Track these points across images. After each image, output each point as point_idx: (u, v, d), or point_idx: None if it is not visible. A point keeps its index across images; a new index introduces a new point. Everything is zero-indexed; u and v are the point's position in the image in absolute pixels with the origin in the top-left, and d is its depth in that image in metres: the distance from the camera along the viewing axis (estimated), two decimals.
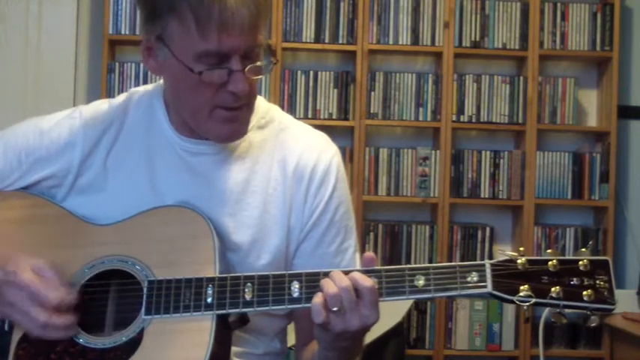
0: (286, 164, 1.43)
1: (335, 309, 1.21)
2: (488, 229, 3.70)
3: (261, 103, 1.48)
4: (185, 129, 1.41)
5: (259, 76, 1.33)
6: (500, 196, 3.71)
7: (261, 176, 1.42)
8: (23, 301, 1.29)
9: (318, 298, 1.22)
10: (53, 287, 1.30)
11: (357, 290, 1.22)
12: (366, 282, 1.22)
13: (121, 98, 1.49)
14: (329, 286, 1.23)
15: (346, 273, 1.25)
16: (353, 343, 1.30)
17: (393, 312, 2.92)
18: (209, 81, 1.28)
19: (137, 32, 3.60)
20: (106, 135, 1.44)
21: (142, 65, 3.60)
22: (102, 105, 1.49)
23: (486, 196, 3.70)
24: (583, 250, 1.26)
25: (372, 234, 3.66)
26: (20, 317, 1.30)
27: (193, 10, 1.24)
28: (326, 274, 1.26)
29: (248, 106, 1.36)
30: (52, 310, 1.29)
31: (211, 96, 1.31)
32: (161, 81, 1.47)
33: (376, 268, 1.27)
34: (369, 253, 1.29)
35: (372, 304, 1.23)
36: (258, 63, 1.31)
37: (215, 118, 1.33)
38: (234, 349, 1.37)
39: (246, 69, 1.29)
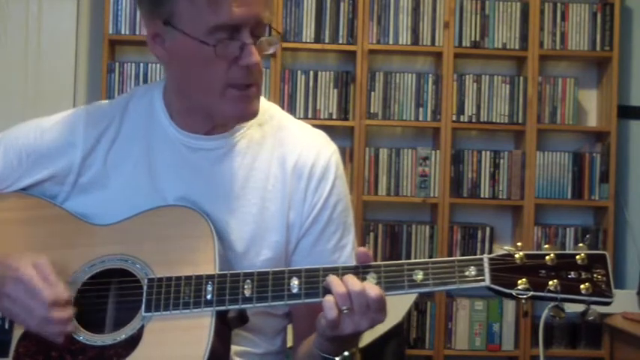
0: (285, 161, 1.43)
1: (345, 308, 1.23)
2: (488, 229, 3.70)
3: (261, 102, 1.48)
4: (185, 125, 1.42)
5: (268, 52, 1.36)
6: (500, 196, 3.70)
7: (260, 173, 1.42)
8: (23, 295, 1.30)
9: (329, 296, 1.24)
10: (51, 284, 1.31)
11: (366, 298, 1.24)
12: (375, 291, 1.24)
13: (120, 97, 1.51)
14: (337, 284, 1.25)
15: (355, 274, 1.27)
16: (354, 339, 1.31)
17: (393, 312, 2.91)
18: (223, 54, 1.30)
19: (137, 32, 3.60)
20: (106, 133, 1.45)
21: (142, 65, 3.61)
22: (102, 105, 1.51)
23: (486, 196, 3.70)
24: (581, 245, 1.27)
25: (372, 234, 3.66)
26: (20, 311, 1.31)
27: None
28: (325, 271, 1.28)
29: (257, 86, 1.38)
30: (50, 305, 1.29)
31: (224, 72, 1.32)
32: (160, 80, 1.47)
33: (375, 263, 1.28)
34: (362, 249, 1.30)
35: (380, 310, 1.26)
36: (266, 37, 1.34)
37: (228, 97, 1.34)
38: (234, 347, 1.38)
39: (257, 42, 1.32)
